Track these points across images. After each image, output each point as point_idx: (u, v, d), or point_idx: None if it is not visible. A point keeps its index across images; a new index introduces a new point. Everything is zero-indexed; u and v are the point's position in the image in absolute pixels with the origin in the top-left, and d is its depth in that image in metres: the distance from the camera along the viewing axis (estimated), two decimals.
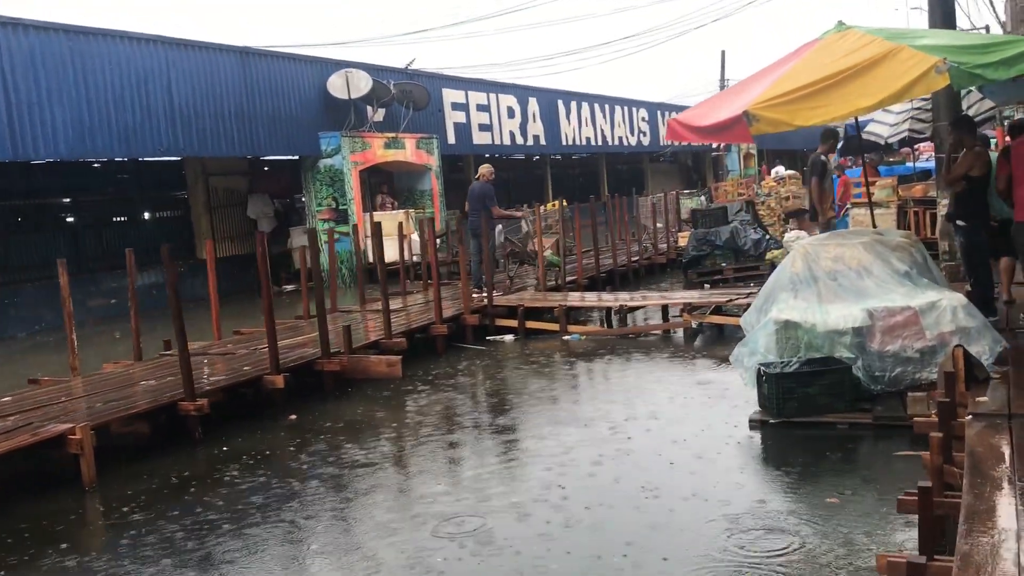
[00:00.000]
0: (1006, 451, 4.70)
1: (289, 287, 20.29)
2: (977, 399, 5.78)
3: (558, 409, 8.14)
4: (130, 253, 10.17)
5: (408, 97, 22.19)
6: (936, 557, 3.72)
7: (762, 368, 7.01)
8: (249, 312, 12.24)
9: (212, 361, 9.53)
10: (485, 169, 14.04)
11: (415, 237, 18.70)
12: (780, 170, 24.31)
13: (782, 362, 7.04)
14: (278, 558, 5.17)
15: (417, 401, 8.78)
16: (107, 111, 15.82)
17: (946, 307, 6.80)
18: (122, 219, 20.95)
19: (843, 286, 7.27)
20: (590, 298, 12.99)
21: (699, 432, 6.97)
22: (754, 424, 6.92)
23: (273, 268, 14.84)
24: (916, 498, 4.30)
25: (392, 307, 13.07)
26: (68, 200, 20.00)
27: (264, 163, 22.65)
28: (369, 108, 21.32)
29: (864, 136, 14.48)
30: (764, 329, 7.29)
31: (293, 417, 8.39)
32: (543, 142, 29.81)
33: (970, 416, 5.40)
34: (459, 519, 5.49)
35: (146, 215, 21.58)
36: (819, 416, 6.77)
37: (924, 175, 16.26)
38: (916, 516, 4.28)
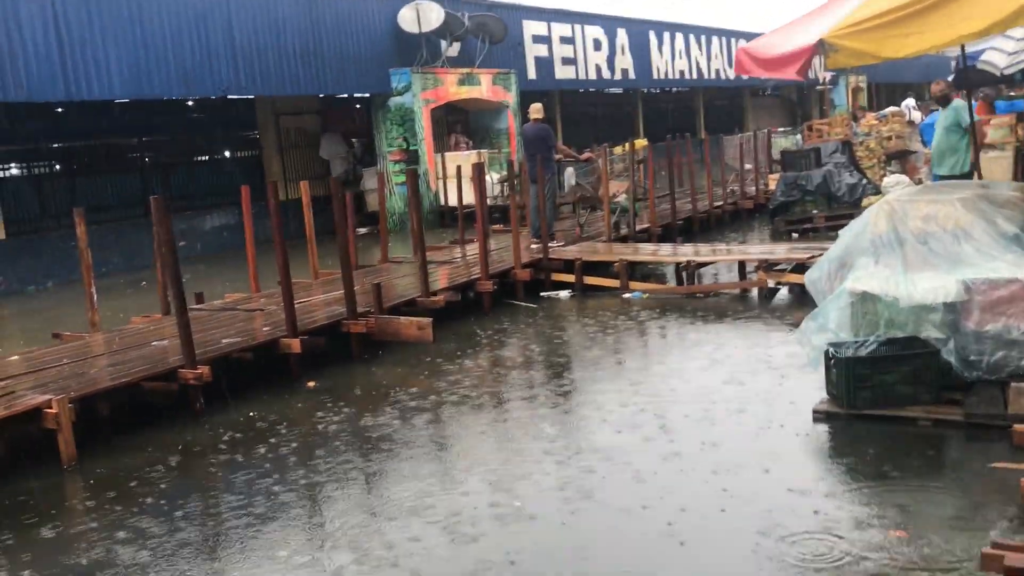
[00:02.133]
0: None
1: (363, 230, 19.72)
2: None
3: (590, 389, 7.18)
4: (156, 201, 9.53)
5: (484, 30, 21.08)
6: None
7: (831, 349, 5.90)
8: (322, 256, 11.73)
9: (236, 319, 8.89)
10: (536, 108, 12.92)
11: (488, 180, 17.78)
12: (911, 102, 22.15)
13: (856, 342, 5.90)
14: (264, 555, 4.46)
15: (447, 368, 7.95)
16: (164, 49, 15.27)
17: None
18: (192, 160, 20.67)
19: (935, 251, 6.04)
20: (659, 251, 11.87)
21: (753, 423, 5.93)
22: (819, 416, 5.84)
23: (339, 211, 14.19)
24: (1001, 554, 3.25)
25: (448, 258, 12.33)
26: (138, 140, 19.78)
27: (336, 102, 21.98)
28: (442, 42, 20.33)
29: (978, 67, 12.80)
30: (837, 301, 6.15)
31: (311, 384, 7.69)
32: (632, 76, 28.28)
33: None
34: (471, 513, 4.66)
35: (217, 156, 21.27)
36: (898, 409, 5.64)
37: None
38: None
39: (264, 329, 8.28)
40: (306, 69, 17.80)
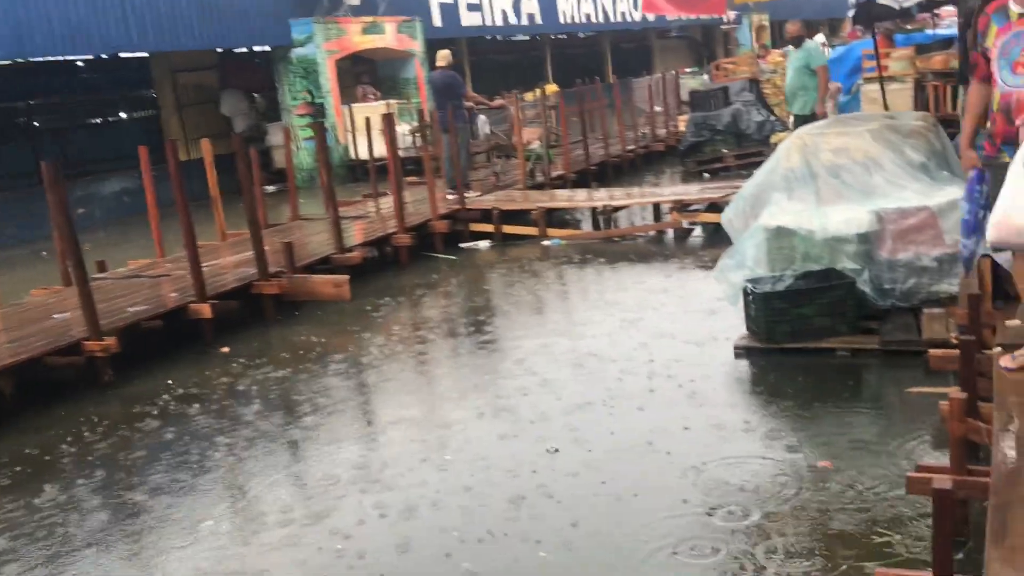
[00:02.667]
0: None
1: (270, 188, 19.17)
2: (1007, 323, 4.70)
3: (516, 333, 7.12)
4: (48, 167, 9.02)
5: None
6: None
7: (749, 285, 5.94)
8: (229, 217, 11.30)
9: (141, 286, 8.53)
10: (443, 55, 12.59)
11: (398, 131, 17.42)
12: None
13: (773, 277, 5.96)
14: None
15: (366, 325, 7.79)
16: (45, 5, 14.40)
17: None
18: (86, 123, 19.72)
19: (847, 184, 6.11)
20: (574, 197, 11.82)
21: (676, 361, 5.95)
22: (740, 351, 5.89)
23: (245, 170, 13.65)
24: (928, 477, 3.30)
25: (361, 213, 12.05)
26: (26, 104, 18.77)
27: (236, 56, 21.18)
28: None
29: (879, 1, 12.95)
30: (752, 237, 6.17)
31: (225, 349, 7.43)
32: (539, 21, 27.94)
33: (999, 348, 4.34)
34: (385, 485, 4.56)
35: (112, 118, 20.33)
36: (817, 341, 5.73)
37: (945, 44, 14.68)
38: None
39: (172, 295, 7.96)
40: (202, 22, 17.05)
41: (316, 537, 4.14)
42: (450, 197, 11.64)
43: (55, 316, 7.67)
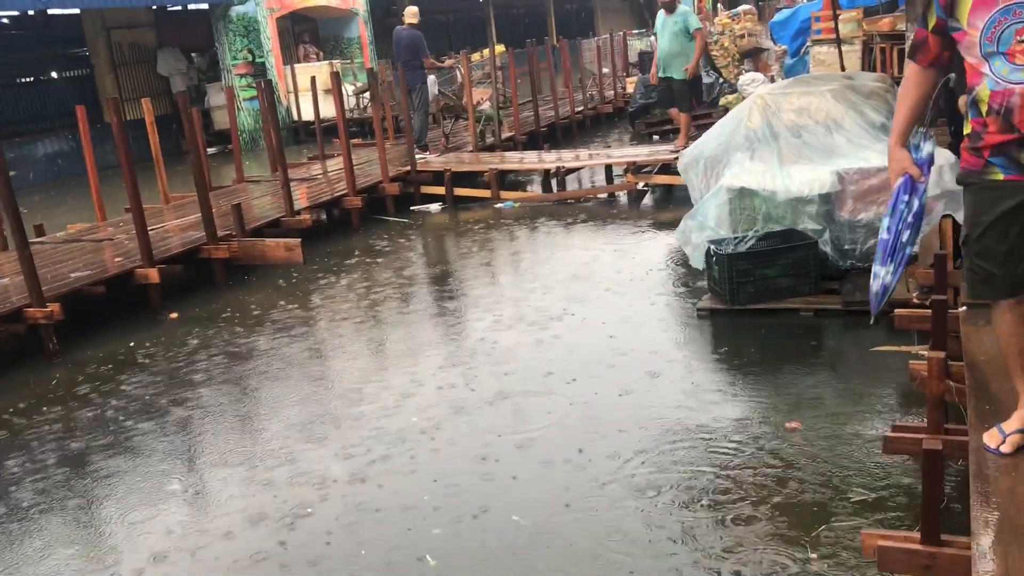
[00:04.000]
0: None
1: (211, 150, 18.69)
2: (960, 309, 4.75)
3: (475, 296, 7.03)
4: None
5: None
6: (947, 539, 2.71)
7: (712, 247, 5.92)
8: (170, 179, 10.91)
9: (83, 251, 8.22)
10: (411, 12, 12.36)
11: (343, 92, 17.06)
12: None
13: (736, 238, 5.94)
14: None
15: (318, 288, 7.62)
16: None
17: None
18: (15, 83, 18.91)
19: (809, 144, 6.11)
20: (526, 159, 11.70)
21: (639, 323, 5.92)
22: (703, 313, 5.88)
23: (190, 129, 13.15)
24: (905, 437, 3.31)
25: (308, 175, 11.78)
26: None
27: (173, 14, 20.49)
28: None
29: None
30: (715, 198, 6.15)
31: (174, 316, 7.21)
32: None
33: (964, 308, 4.38)
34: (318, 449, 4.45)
35: (43, 77, 19.53)
36: (780, 302, 5.74)
37: (891, 6, 14.82)
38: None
39: (116, 260, 7.68)
40: None
41: (270, 506, 4.03)
42: (419, 158, 11.38)
43: None
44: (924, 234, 5.50)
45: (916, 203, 3.14)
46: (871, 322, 3.89)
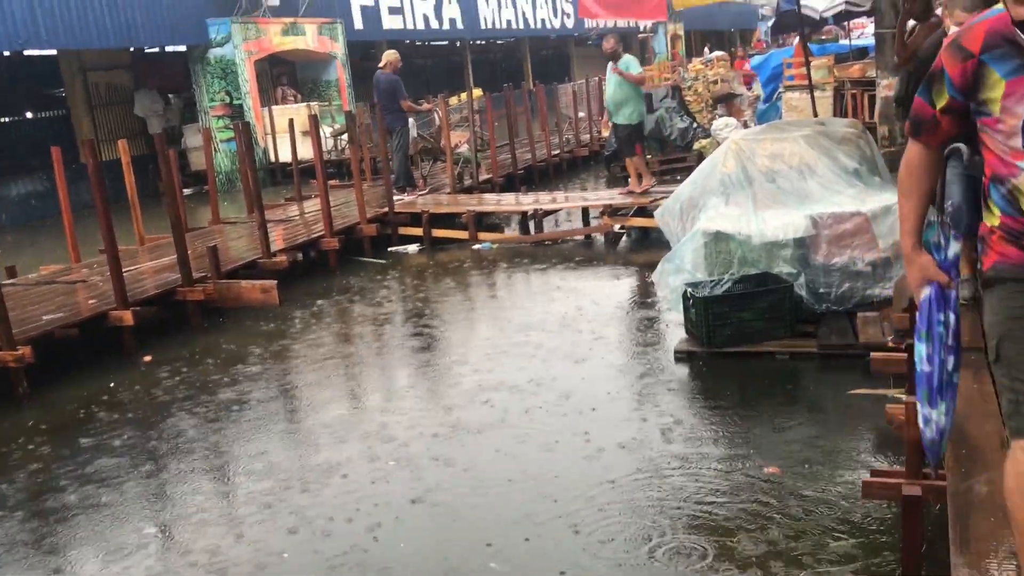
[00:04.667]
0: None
1: (187, 191, 18.64)
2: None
3: (448, 338, 7.02)
4: None
5: None
6: None
7: (689, 290, 5.95)
8: (145, 220, 10.84)
9: (55, 293, 8.13)
10: (391, 57, 12.48)
11: (321, 133, 17.11)
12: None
13: (712, 281, 5.98)
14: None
15: (293, 331, 7.57)
16: None
17: None
18: None
19: (783, 189, 6.18)
20: (503, 201, 11.76)
21: (617, 366, 5.93)
22: (680, 356, 5.90)
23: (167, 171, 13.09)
24: (883, 482, 3.32)
25: (285, 217, 11.76)
26: None
27: (151, 55, 20.54)
28: None
29: (802, 11, 13.27)
30: (691, 242, 6.20)
31: (148, 359, 7.12)
32: (460, 26, 27.86)
33: None
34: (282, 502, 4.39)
35: (18, 117, 19.45)
36: (756, 345, 5.77)
37: (861, 53, 15.14)
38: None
39: (90, 302, 7.60)
40: (114, 19, 16.46)
41: (240, 552, 3.97)
42: (397, 199, 11.42)
43: None
44: (899, 277, 5.59)
45: (952, 318, 2.54)
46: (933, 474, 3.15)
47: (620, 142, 10.80)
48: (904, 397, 4.72)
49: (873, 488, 3.36)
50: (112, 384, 6.57)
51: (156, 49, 19.50)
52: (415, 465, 4.70)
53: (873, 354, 4.76)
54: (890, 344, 5.28)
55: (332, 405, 5.80)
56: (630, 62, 10.52)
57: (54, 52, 17.56)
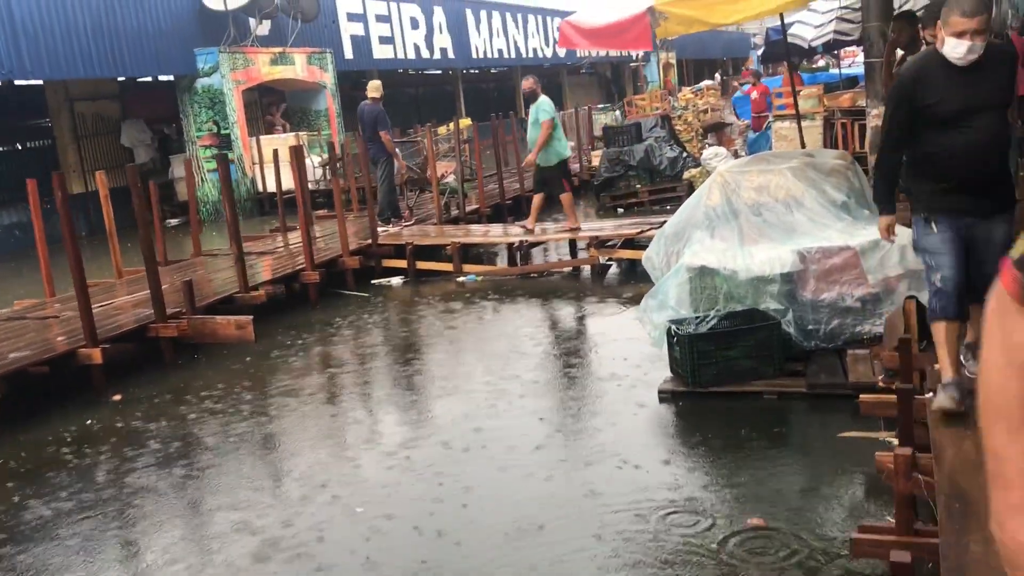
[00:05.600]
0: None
1: (174, 221, 18.49)
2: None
3: (427, 375, 6.81)
4: None
5: (295, 7, 20.05)
6: None
7: (673, 327, 5.76)
8: (126, 253, 10.62)
9: (26, 329, 7.92)
10: (374, 87, 12.39)
11: (308, 163, 16.97)
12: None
13: (697, 318, 5.79)
14: None
15: (269, 368, 7.36)
16: None
17: (892, 246, 5.56)
18: None
19: (769, 222, 6.01)
20: (490, 232, 11.60)
21: (598, 405, 5.72)
22: (664, 396, 5.69)
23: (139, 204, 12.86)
24: (873, 539, 3.11)
25: (269, 248, 11.59)
26: None
27: (138, 85, 20.45)
28: (251, 20, 19.21)
29: (789, 39, 13.21)
30: (675, 277, 6.01)
31: (117, 397, 6.90)
32: (451, 55, 27.87)
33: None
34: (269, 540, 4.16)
35: (3, 147, 19.29)
36: (743, 384, 5.56)
37: (851, 82, 15.08)
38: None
39: (60, 339, 7.39)
40: (100, 49, 16.35)
41: None
42: (381, 230, 11.26)
43: None
44: (890, 313, 5.41)
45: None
46: None
47: (540, 184, 10.76)
48: (894, 443, 4.55)
49: (863, 546, 3.16)
50: (77, 425, 6.34)
51: (148, 79, 19.41)
52: (396, 513, 4.47)
53: (863, 396, 4.56)
54: (880, 384, 5.09)
55: (305, 451, 5.57)
56: (540, 105, 10.41)
57: (40, 82, 17.44)
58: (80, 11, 15.89)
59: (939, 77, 3.80)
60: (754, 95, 15.46)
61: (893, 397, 4.45)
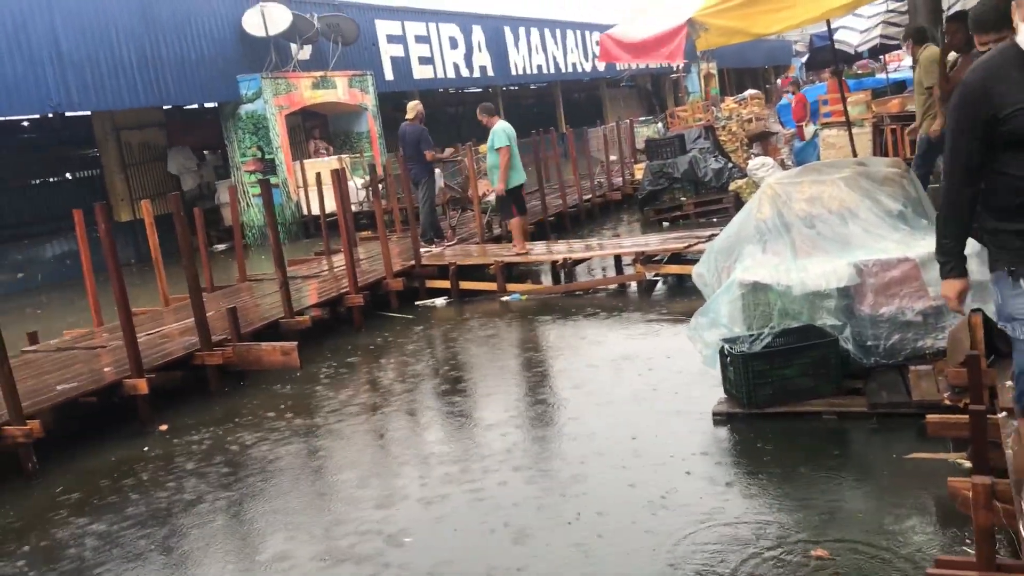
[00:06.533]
0: None
1: (221, 247, 18.67)
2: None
3: (476, 399, 6.69)
4: None
5: (336, 31, 20.25)
6: None
7: (726, 346, 5.57)
8: (174, 280, 10.71)
9: (75, 360, 7.95)
10: (415, 107, 12.41)
11: (351, 186, 17.02)
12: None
13: (751, 335, 5.59)
14: None
15: (314, 394, 7.30)
16: None
17: None
18: (26, 184, 19.01)
19: (823, 235, 5.80)
20: (533, 249, 11.48)
21: (650, 430, 5.53)
22: (719, 418, 5.49)
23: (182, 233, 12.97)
24: (953, 575, 2.91)
25: (314, 271, 11.58)
26: None
27: (183, 113, 20.73)
28: (292, 46, 19.41)
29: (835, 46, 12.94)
30: (726, 294, 5.82)
31: (163, 427, 6.88)
32: (491, 73, 27.92)
33: (1004, 413, 4.00)
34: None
35: (53, 178, 19.66)
36: (800, 404, 5.35)
37: (898, 87, 14.74)
38: None
39: (107, 369, 7.40)
40: (144, 79, 16.59)
41: None
42: (423, 250, 11.22)
43: None
44: (954, 327, 5.17)
45: None
46: None
47: (502, 208, 11.10)
48: (964, 464, 4.32)
49: None
50: (122, 458, 6.31)
51: (191, 107, 19.64)
52: (467, 540, 4.35)
53: (929, 417, 4.34)
54: (946, 401, 4.86)
55: (356, 482, 5.47)
56: (494, 133, 10.64)
57: (87, 113, 17.73)
58: (125, 42, 16.14)
59: (1017, 79, 2.94)
60: (793, 103, 15.23)
61: (962, 417, 4.23)
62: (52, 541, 5.08)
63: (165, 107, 19.32)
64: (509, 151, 10.52)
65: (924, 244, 5.53)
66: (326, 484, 5.44)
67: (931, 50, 7.73)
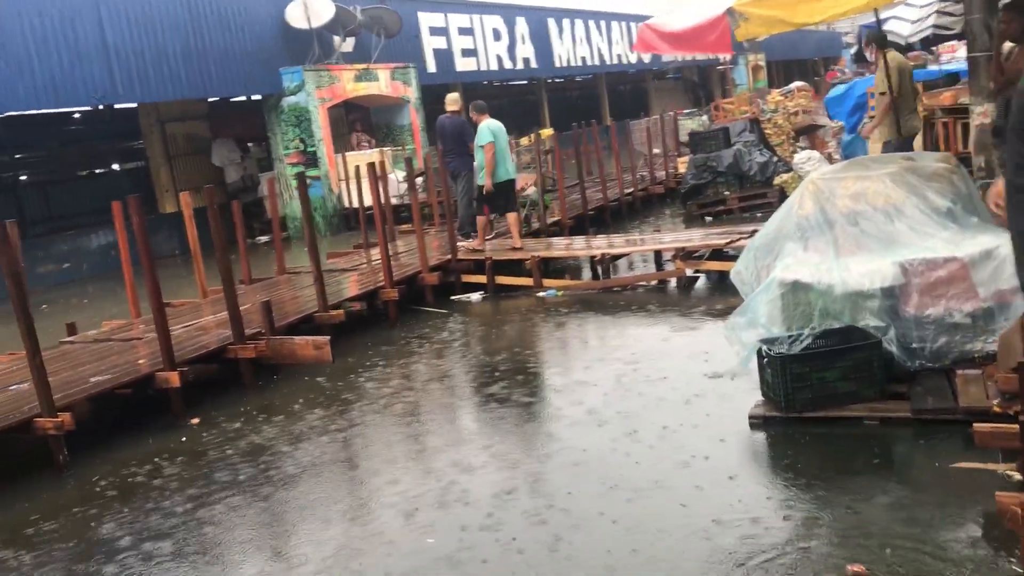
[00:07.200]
0: None
1: (263, 238, 18.77)
2: None
3: (509, 396, 6.57)
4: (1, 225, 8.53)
5: (378, 23, 20.21)
6: None
7: (764, 347, 5.38)
8: (214, 272, 10.74)
9: (110, 351, 7.98)
10: (452, 99, 12.30)
11: (392, 178, 16.99)
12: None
13: (790, 337, 5.40)
14: None
15: (345, 389, 7.23)
16: (27, 57, 14.04)
17: (1006, 256, 5.08)
18: (73, 175, 19.30)
19: (867, 232, 5.58)
20: (571, 244, 11.33)
21: (684, 433, 5.38)
22: (756, 422, 5.31)
23: (245, 218, 13.04)
24: None
25: (352, 264, 11.55)
26: (10, 158, 18.38)
27: (227, 105, 20.88)
28: (335, 38, 19.41)
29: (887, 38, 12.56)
30: (765, 293, 5.63)
31: (195, 421, 6.86)
32: (534, 65, 27.74)
33: None
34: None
35: (99, 170, 19.94)
36: (841, 409, 5.15)
37: (951, 79, 14.29)
38: None
39: (141, 361, 7.41)
40: (189, 71, 16.71)
41: None
42: (460, 244, 11.13)
43: (12, 388, 7.10)
44: (1005, 330, 4.94)
45: None
46: None
47: (501, 204, 11.14)
48: (1015, 476, 4.11)
49: None
50: (153, 451, 6.30)
51: (238, 98, 19.77)
52: (504, 536, 4.25)
53: (977, 426, 4.14)
54: (996, 409, 4.64)
55: (392, 479, 5.39)
56: (482, 131, 10.69)
57: (133, 105, 17.93)
58: (169, 35, 16.26)
59: None
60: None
61: (1013, 426, 4.03)
62: (79, 532, 5.07)
63: (209, 99, 19.47)
64: (493, 147, 10.58)
65: (974, 243, 5.30)
66: (355, 480, 5.37)
67: (894, 55, 7.88)
